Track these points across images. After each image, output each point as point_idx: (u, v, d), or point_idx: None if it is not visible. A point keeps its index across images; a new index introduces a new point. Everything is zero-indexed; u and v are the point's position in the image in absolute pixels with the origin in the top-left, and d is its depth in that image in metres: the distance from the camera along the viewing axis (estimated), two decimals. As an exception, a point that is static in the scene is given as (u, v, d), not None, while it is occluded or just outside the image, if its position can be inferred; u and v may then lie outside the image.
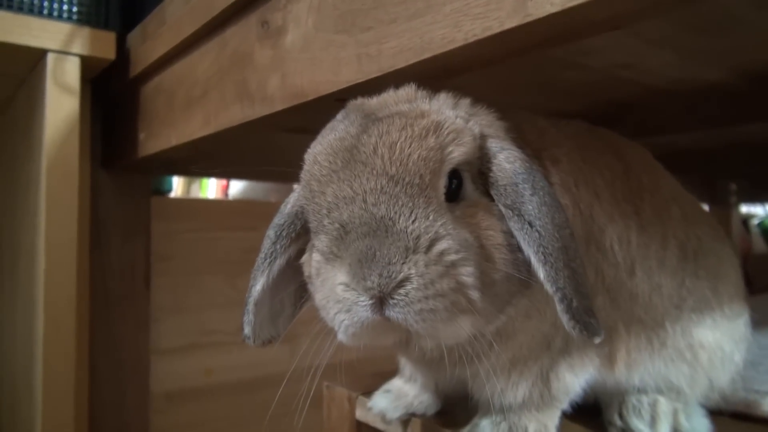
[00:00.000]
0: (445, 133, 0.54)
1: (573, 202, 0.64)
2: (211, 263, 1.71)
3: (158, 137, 1.17)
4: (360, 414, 0.84)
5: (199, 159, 1.39)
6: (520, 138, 0.63)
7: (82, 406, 1.41)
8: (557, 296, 0.51)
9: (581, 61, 1.02)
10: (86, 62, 1.22)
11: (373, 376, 0.86)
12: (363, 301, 0.50)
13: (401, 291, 0.49)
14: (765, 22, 0.82)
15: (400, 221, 0.51)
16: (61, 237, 1.18)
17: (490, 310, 0.55)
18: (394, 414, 0.75)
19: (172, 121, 1.11)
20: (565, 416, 0.72)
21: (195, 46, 1.03)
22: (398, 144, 0.52)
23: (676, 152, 1.81)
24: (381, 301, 0.50)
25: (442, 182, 0.54)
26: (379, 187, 0.51)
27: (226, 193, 2.21)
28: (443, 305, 0.50)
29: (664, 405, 0.70)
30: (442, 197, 0.54)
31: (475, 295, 0.52)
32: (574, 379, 0.67)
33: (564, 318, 0.51)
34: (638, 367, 0.70)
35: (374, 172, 0.52)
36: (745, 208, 2.92)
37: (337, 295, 0.52)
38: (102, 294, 1.48)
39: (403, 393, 0.77)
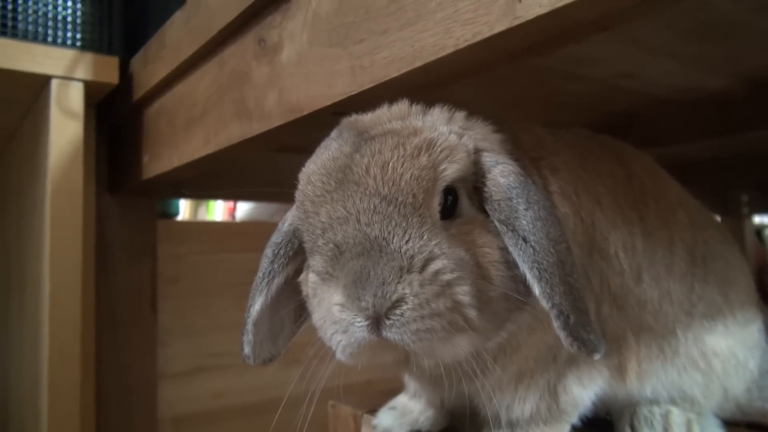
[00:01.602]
0: (438, 150, 0.54)
1: (574, 211, 0.63)
2: (218, 285, 1.70)
3: (161, 159, 1.17)
4: (365, 432, 0.82)
5: (202, 180, 1.39)
6: (516, 149, 0.62)
7: (89, 430, 1.40)
8: (553, 313, 0.50)
9: (582, 73, 1.02)
10: (90, 87, 1.23)
11: (378, 393, 0.85)
12: (359, 322, 0.50)
13: (397, 311, 0.49)
14: (765, 27, 0.81)
15: (394, 241, 0.50)
16: (66, 260, 1.18)
17: (489, 327, 0.54)
18: (400, 431, 0.74)
19: (173, 142, 1.12)
20: (576, 430, 0.70)
21: (194, 67, 1.04)
22: (390, 164, 0.52)
23: (685, 163, 1.80)
24: (377, 322, 0.50)
25: (437, 200, 0.54)
26: (372, 207, 0.51)
27: (232, 216, 2.21)
28: (440, 325, 0.50)
29: (677, 416, 0.68)
30: (437, 215, 0.54)
31: (471, 313, 0.51)
32: (583, 392, 0.66)
33: (561, 334, 0.50)
34: (650, 378, 0.69)
35: (367, 192, 0.52)
36: (758, 219, 2.87)
37: (334, 316, 0.52)
38: (108, 317, 1.48)
39: (408, 410, 0.76)
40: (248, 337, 0.64)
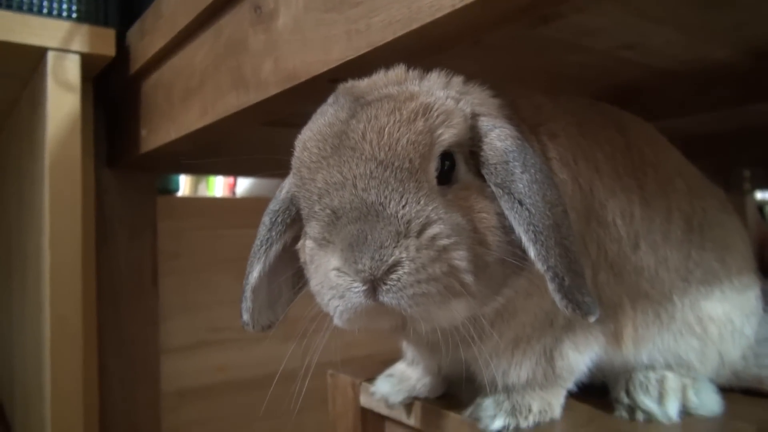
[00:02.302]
0: (435, 115, 0.53)
1: (572, 177, 0.63)
2: (219, 261, 1.71)
3: (158, 132, 1.17)
4: (364, 400, 0.83)
5: (200, 153, 1.39)
6: (515, 114, 0.62)
7: (93, 405, 1.42)
8: (548, 275, 0.50)
9: (584, 44, 1.00)
10: (86, 60, 1.22)
11: (376, 362, 0.85)
12: (356, 287, 0.50)
13: (393, 276, 0.49)
14: (768, -6, 0.80)
15: (391, 206, 0.50)
16: (66, 235, 1.18)
17: (485, 292, 0.54)
18: (397, 398, 0.74)
19: (171, 115, 1.11)
20: (572, 396, 0.70)
21: (191, 37, 1.02)
22: (386, 129, 0.52)
23: (688, 138, 1.78)
24: (374, 286, 0.50)
25: (433, 165, 0.53)
26: (368, 172, 0.51)
27: (233, 191, 2.21)
28: (436, 289, 0.50)
29: (672, 381, 0.68)
30: (434, 180, 0.53)
31: (468, 278, 0.51)
32: (579, 358, 0.66)
33: (556, 297, 0.50)
34: (647, 343, 0.69)
35: (363, 157, 0.52)
36: (760, 195, 2.86)
37: (331, 281, 0.52)
38: (109, 293, 1.49)
39: (405, 377, 0.76)
40: (247, 304, 0.64)
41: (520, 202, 0.52)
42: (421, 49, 0.63)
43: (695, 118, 1.44)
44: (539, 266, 0.50)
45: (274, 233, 0.64)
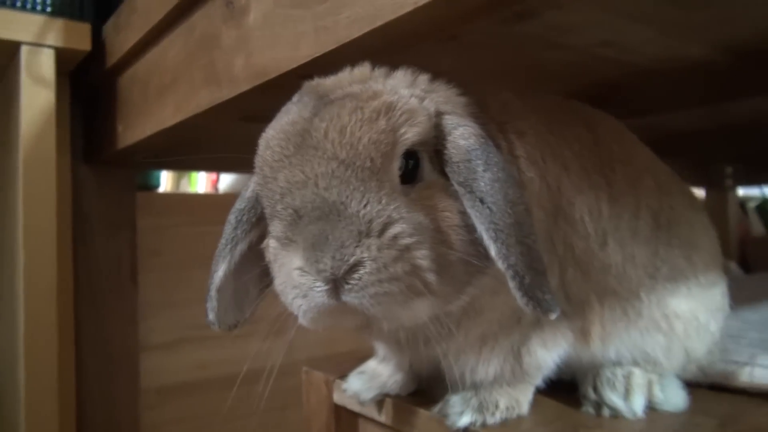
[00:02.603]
0: (398, 114, 0.53)
1: (540, 176, 0.63)
2: (200, 257, 1.68)
3: (135, 128, 1.16)
4: (337, 397, 0.83)
5: (181, 149, 1.38)
6: (482, 113, 0.62)
7: (69, 402, 1.40)
8: (509, 273, 0.50)
9: (562, 41, 1.00)
10: (61, 54, 1.21)
11: (351, 359, 0.86)
12: (318, 287, 0.50)
13: (355, 276, 0.49)
14: (742, -8, 0.80)
15: (352, 205, 0.50)
16: (40, 231, 1.17)
17: (449, 291, 0.54)
18: (368, 395, 0.74)
19: (146, 110, 1.10)
20: (541, 392, 0.71)
21: (165, 32, 1.01)
22: (348, 128, 0.52)
23: (669, 135, 1.80)
24: (336, 286, 0.50)
25: (396, 164, 0.53)
26: (330, 171, 0.51)
27: (216, 188, 2.20)
28: (398, 289, 0.50)
29: (638, 377, 0.69)
30: (397, 180, 0.53)
31: (431, 277, 0.51)
32: (547, 355, 0.66)
33: (517, 295, 0.50)
34: (614, 340, 0.69)
35: (325, 156, 0.51)
36: (742, 191, 2.89)
37: (294, 281, 0.52)
38: (87, 290, 1.47)
39: (377, 374, 0.76)
40: (212, 304, 0.64)
41: (482, 201, 0.52)
42: (387, 47, 0.62)
43: (676, 116, 1.45)
44: (500, 264, 0.51)
45: (239, 232, 0.63)
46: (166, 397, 1.63)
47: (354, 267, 0.49)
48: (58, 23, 1.19)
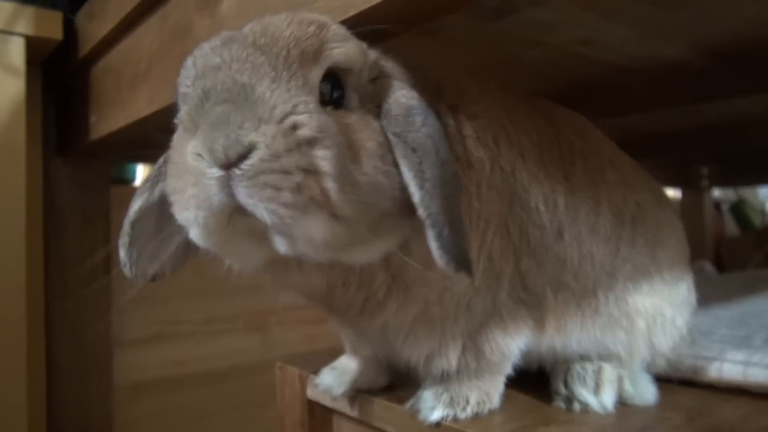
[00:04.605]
0: (330, 32, 0.52)
1: (490, 158, 0.62)
2: (176, 252, 1.68)
3: (108, 118, 1.14)
4: (311, 393, 0.83)
5: (156, 141, 1.36)
6: (436, 94, 0.61)
7: (39, 399, 1.38)
8: (428, 221, 0.48)
9: (540, 39, 1.00)
10: (32, 43, 1.18)
11: (325, 355, 0.85)
12: (210, 174, 0.45)
13: (247, 162, 0.45)
14: (719, -8, 0.81)
15: (259, 90, 0.47)
16: (8, 224, 1.14)
17: (354, 219, 0.48)
18: (339, 390, 0.74)
19: (119, 101, 1.08)
20: (512, 387, 0.71)
21: (138, 21, 1.00)
22: (275, 23, 0.51)
23: (647, 136, 1.81)
24: (229, 178, 0.45)
25: (316, 72, 0.51)
26: (245, 55, 0.49)
27: (193, 183, 2.17)
28: (288, 184, 0.45)
29: (608, 372, 0.69)
30: (316, 87, 0.51)
31: (330, 185, 0.46)
32: (511, 342, 0.66)
33: (433, 246, 0.48)
34: (570, 334, 0.69)
35: (245, 43, 0.50)
36: (717, 192, 2.94)
37: (187, 166, 0.47)
38: (59, 284, 1.44)
39: (348, 369, 0.76)
40: (124, 239, 0.60)
41: (413, 150, 0.50)
42: (361, 38, 0.62)
43: (653, 116, 1.46)
44: (420, 213, 0.49)
45: (163, 170, 0.58)
46: (140, 394, 1.60)
47: (248, 153, 0.45)
48: (29, 11, 1.16)
